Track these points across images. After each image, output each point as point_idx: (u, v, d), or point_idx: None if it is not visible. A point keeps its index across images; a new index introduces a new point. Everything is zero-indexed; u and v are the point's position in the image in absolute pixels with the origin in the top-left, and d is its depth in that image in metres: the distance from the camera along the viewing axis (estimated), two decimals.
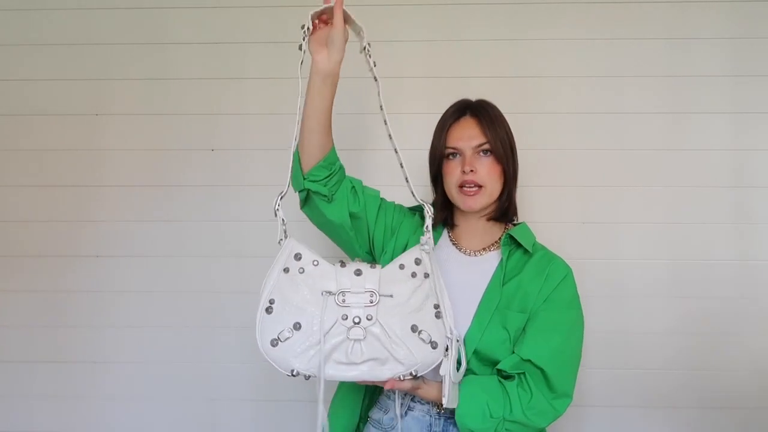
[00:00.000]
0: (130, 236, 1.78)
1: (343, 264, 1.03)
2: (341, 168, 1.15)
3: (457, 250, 1.22)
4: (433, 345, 1.01)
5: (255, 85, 1.78)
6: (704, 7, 1.72)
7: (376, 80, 1.12)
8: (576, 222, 1.73)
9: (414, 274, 1.06)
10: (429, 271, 1.07)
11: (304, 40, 1.06)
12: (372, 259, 1.25)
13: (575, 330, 1.14)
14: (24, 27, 1.80)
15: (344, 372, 0.98)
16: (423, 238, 1.09)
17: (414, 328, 1.01)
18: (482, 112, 1.19)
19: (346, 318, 0.98)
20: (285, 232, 1.05)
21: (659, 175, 1.72)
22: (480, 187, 1.15)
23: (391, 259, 1.19)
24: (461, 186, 1.16)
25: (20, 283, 1.79)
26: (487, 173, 1.16)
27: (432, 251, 1.08)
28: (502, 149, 1.17)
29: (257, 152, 1.77)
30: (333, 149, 1.14)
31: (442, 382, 1.02)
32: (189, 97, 1.78)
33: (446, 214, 1.25)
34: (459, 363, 1.03)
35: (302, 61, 1.07)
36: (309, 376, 0.97)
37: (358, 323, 0.98)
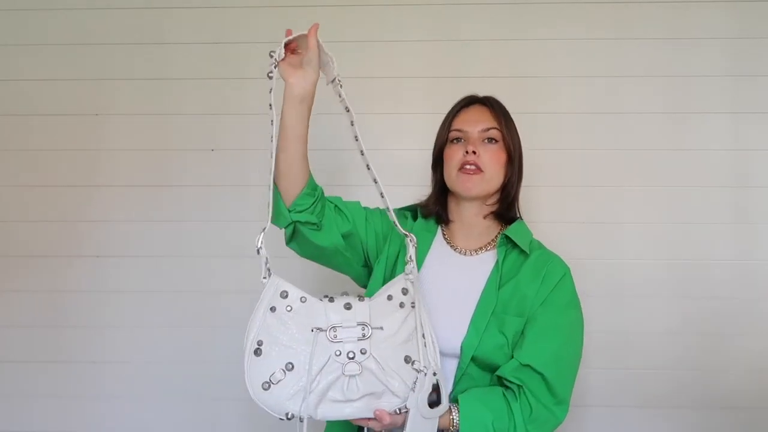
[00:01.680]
0: (130, 236, 1.78)
1: (331, 299, 0.99)
2: (321, 191, 1.12)
3: (452, 250, 1.19)
4: (425, 371, 0.98)
5: (255, 85, 1.78)
6: (704, 7, 1.72)
7: (348, 111, 1.06)
8: (576, 222, 1.72)
9: (402, 305, 1.03)
10: (415, 301, 1.04)
11: (275, 67, 1.01)
12: (368, 271, 1.23)
13: (575, 332, 1.11)
14: (24, 27, 1.80)
15: (340, 410, 0.94)
16: (407, 268, 1.05)
17: (407, 359, 0.98)
18: (493, 103, 1.19)
19: (340, 354, 0.94)
20: (269, 270, 1.00)
21: (659, 175, 1.72)
22: (480, 171, 1.13)
23: (386, 264, 1.18)
24: (461, 168, 1.13)
25: (20, 283, 1.79)
26: (490, 159, 1.13)
27: (417, 280, 1.06)
28: (511, 140, 1.15)
29: (257, 152, 1.75)
30: (311, 174, 1.10)
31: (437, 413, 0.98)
32: (189, 97, 1.78)
33: (439, 209, 1.21)
34: (439, 399, 0.99)
35: (272, 89, 1.01)
36: (304, 418, 0.92)
37: (353, 358, 0.94)
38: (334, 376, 0.93)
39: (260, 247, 1.00)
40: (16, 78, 1.80)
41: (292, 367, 0.93)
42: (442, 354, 1.08)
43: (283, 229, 1.11)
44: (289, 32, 1.03)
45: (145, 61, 1.79)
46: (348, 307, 0.98)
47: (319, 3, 1.76)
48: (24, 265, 1.79)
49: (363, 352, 0.95)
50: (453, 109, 1.21)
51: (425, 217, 1.23)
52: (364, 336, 0.96)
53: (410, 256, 1.06)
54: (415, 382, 0.96)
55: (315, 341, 0.94)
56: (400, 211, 1.26)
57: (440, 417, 0.99)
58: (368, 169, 1.07)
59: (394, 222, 1.10)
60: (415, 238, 1.08)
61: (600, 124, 1.73)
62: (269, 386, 0.93)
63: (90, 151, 1.79)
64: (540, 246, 1.19)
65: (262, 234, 1.00)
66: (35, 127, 1.80)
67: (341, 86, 1.05)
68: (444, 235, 1.22)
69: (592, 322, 1.75)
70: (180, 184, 1.78)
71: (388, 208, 1.10)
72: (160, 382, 1.77)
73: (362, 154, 1.07)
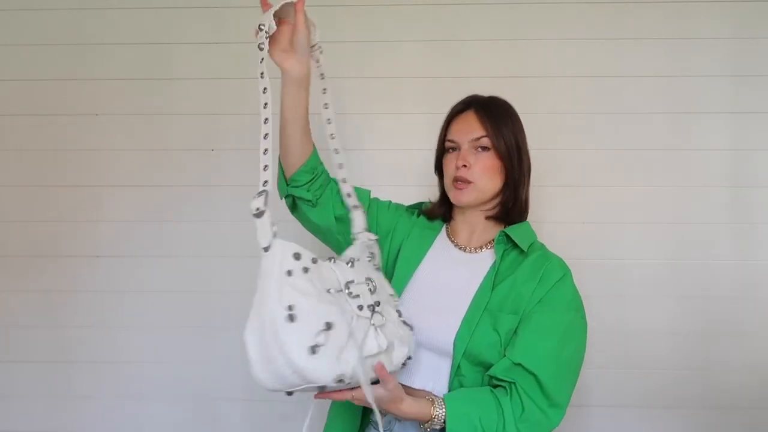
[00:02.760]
0: (130, 236, 1.78)
1: (333, 260, 0.99)
2: (324, 171, 1.16)
3: (453, 246, 1.20)
4: (411, 327, 1.02)
5: (255, 85, 1.77)
6: (704, 7, 1.72)
7: (322, 78, 1.09)
8: (576, 222, 1.72)
9: (378, 267, 1.08)
10: (378, 265, 1.09)
11: (266, 39, 1.04)
12: None
13: (573, 333, 1.09)
14: (24, 27, 1.80)
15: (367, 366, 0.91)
16: (364, 236, 1.09)
17: (399, 313, 1.02)
18: (486, 108, 1.16)
19: (362, 308, 0.93)
20: (275, 233, 0.93)
21: (659, 175, 1.72)
22: (469, 182, 1.13)
23: (387, 260, 1.20)
24: (454, 180, 1.15)
25: (20, 283, 1.79)
26: (482, 170, 1.13)
27: (377, 247, 1.11)
28: (505, 146, 1.13)
29: (257, 152, 1.76)
30: (314, 153, 1.14)
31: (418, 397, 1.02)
32: (189, 97, 1.78)
33: (445, 209, 1.23)
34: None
35: (263, 60, 1.04)
36: (341, 380, 0.86)
37: (374, 310, 0.94)
38: (364, 331, 0.91)
39: (264, 210, 0.95)
40: (16, 78, 1.80)
41: (331, 326, 0.87)
42: (437, 352, 1.08)
43: (284, 199, 1.18)
44: (264, 2, 1.05)
45: (145, 61, 1.79)
46: (351, 264, 0.99)
47: (319, 3, 1.76)
48: (24, 265, 1.79)
49: (378, 304, 0.96)
50: (448, 115, 1.21)
51: (431, 219, 1.25)
52: (371, 290, 0.97)
53: (362, 228, 1.11)
54: (411, 330, 1.03)
55: (337, 301, 0.91)
56: (409, 207, 1.29)
57: (422, 409, 1.00)
58: (331, 138, 1.12)
59: (347, 194, 1.14)
60: (364, 213, 1.13)
61: (600, 124, 1.73)
62: (317, 349, 0.84)
63: (90, 151, 1.79)
64: (542, 248, 1.18)
65: (263, 196, 0.97)
66: (35, 127, 1.79)
67: (321, 52, 1.08)
68: (447, 231, 1.23)
69: (592, 322, 1.75)
70: (180, 184, 1.78)
71: (342, 180, 1.14)
72: (160, 382, 1.77)
73: (329, 122, 1.11)
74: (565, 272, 1.13)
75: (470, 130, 1.14)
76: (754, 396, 1.69)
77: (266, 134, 0.99)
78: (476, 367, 1.07)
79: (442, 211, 1.24)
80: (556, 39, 1.74)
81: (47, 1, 1.79)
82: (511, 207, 1.17)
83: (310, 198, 1.14)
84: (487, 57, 1.74)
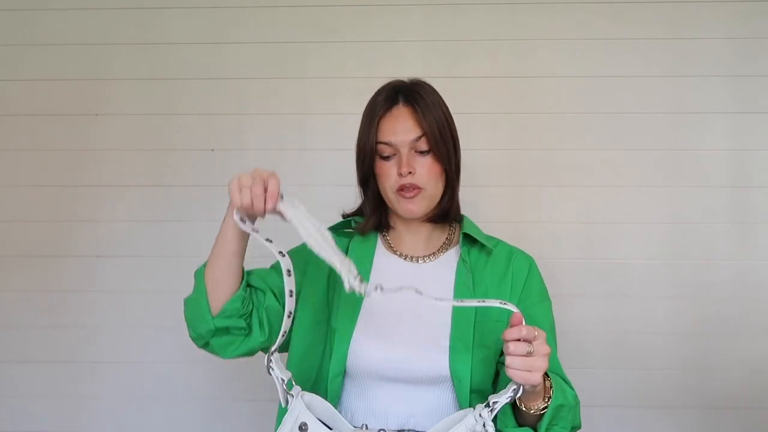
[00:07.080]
0: (130, 236, 1.78)
1: None
2: (250, 286, 1.01)
3: (399, 258, 1.06)
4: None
5: (255, 85, 1.78)
6: (704, 7, 1.72)
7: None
8: (576, 222, 1.72)
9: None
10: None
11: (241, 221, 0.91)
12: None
13: (553, 321, 1.05)
14: (24, 27, 1.80)
15: None
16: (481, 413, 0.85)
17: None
18: (417, 99, 1.01)
19: None
20: (288, 396, 0.89)
21: (659, 175, 1.72)
22: (420, 189, 1.00)
23: (329, 301, 1.04)
24: (400, 189, 1.01)
25: (20, 283, 1.79)
26: (428, 174, 1.00)
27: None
28: (443, 143, 1.01)
29: (257, 152, 1.77)
30: (244, 272, 1.01)
31: None
32: (189, 97, 1.78)
33: (379, 219, 1.09)
34: None
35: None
36: None
37: None
38: None
39: (272, 368, 0.89)
40: (16, 78, 1.80)
41: None
42: (429, 383, 0.96)
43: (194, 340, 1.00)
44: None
45: (145, 61, 1.79)
46: None
47: (319, 3, 1.76)
48: (24, 265, 1.79)
49: None
50: (373, 110, 1.04)
51: (363, 234, 1.09)
52: None
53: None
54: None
55: None
56: (338, 235, 1.09)
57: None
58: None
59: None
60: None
61: (600, 124, 1.73)
62: None
63: (90, 151, 1.79)
64: (495, 240, 1.10)
65: (270, 354, 0.90)
66: (35, 127, 1.79)
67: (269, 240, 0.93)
68: (387, 240, 1.10)
69: (592, 322, 1.75)
70: (180, 184, 1.78)
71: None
72: (160, 382, 1.77)
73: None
74: (531, 261, 1.07)
75: (407, 128, 1.00)
76: (754, 396, 1.69)
77: (290, 312, 0.93)
78: (487, 391, 0.98)
79: (375, 222, 1.09)
80: (555, 39, 1.74)
81: (48, 2, 1.79)
82: (449, 208, 1.06)
83: (244, 325, 0.98)
84: (487, 57, 1.74)
